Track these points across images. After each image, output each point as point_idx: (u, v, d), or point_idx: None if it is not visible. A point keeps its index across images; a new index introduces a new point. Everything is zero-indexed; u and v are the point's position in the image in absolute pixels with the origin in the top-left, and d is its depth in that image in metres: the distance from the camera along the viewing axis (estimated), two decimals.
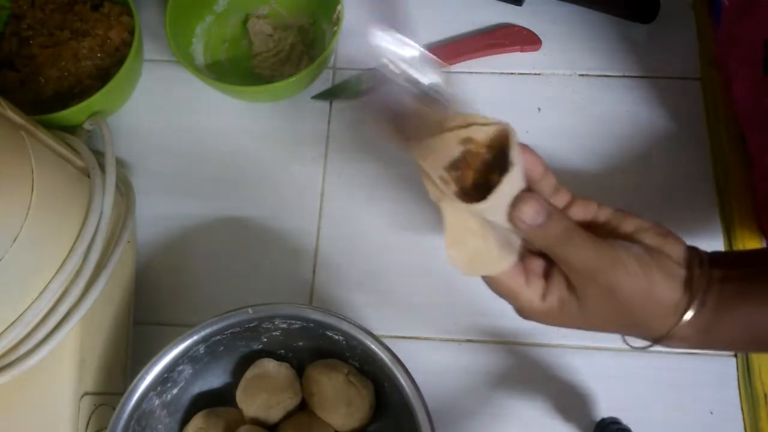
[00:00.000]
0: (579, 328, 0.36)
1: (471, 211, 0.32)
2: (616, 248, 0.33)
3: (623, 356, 0.53)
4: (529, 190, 0.34)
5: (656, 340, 0.35)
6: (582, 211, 0.36)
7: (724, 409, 0.51)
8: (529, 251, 0.37)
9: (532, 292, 0.35)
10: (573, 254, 0.33)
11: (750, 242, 0.54)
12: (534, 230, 0.33)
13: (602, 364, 0.52)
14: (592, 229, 0.35)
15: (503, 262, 0.35)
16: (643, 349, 0.36)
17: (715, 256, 0.35)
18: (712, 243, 0.55)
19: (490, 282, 0.36)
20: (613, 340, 0.53)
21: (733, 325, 0.33)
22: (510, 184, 0.31)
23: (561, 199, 0.36)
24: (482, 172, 0.33)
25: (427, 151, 0.33)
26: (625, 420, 0.49)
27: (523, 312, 0.37)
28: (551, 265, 0.36)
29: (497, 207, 0.32)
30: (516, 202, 0.33)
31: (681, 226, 0.55)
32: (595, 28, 0.63)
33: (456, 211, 0.33)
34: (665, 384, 0.52)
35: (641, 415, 0.50)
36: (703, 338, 0.34)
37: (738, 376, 0.52)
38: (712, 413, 0.51)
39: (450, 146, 0.33)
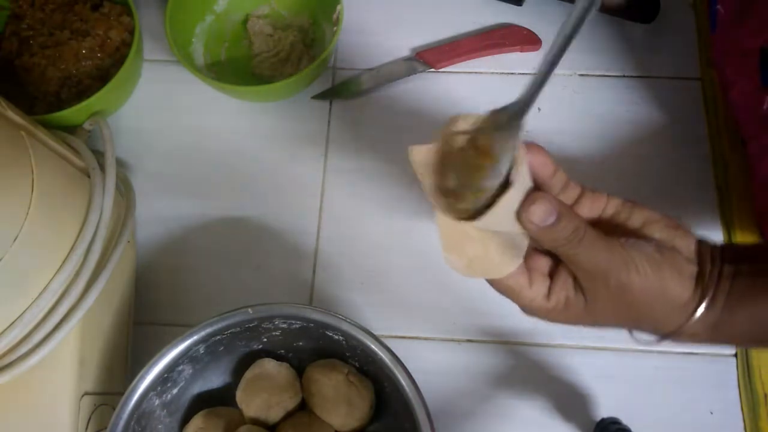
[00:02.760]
0: (583, 325, 0.36)
1: (466, 224, 0.31)
2: (628, 249, 0.33)
3: (623, 356, 0.53)
4: (538, 189, 0.33)
5: (664, 337, 0.35)
6: (590, 206, 0.35)
7: (724, 409, 0.51)
8: (534, 249, 0.36)
9: (534, 291, 0.35)
10: (583, 255, 0.32)
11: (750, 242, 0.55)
12: (543, 231, 0.32)
13: (602, 364, 0.52)
14: (601, 223, 0.35)
15: (506, 267, 0.34)
16: (649, 343, 0.36)
17: (725, 248, 0.35)
18: None
19: (491, 282, 0.36)
20: (613, 340, 0.53)
21: (744, 322, 0.33)
22: (510, 200, 0.30)
23: (571, 194, 0.35)
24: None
25: (425, 155, 0.32)
26: (625, 420, 0.49)
27: (525, 310, 0.36)
28: (557, 263, 0.35)
29: (497, 220, 0.31)
30: (525, 203, 0.32)
31: None
32: (595, 28, 0.63)
33: (450, 219, 0.32)
34: (665, 384, 0.52)
35: (641, 415, 0.50)
36: (712, 334, 0.34)
37: (738, 376, 0.52)
38: (712, 413, 0.51)
39: (451, 153, 0.31)
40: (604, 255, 0.32)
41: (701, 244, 0.35)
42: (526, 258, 0.35)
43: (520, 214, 0.32)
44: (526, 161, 0.31)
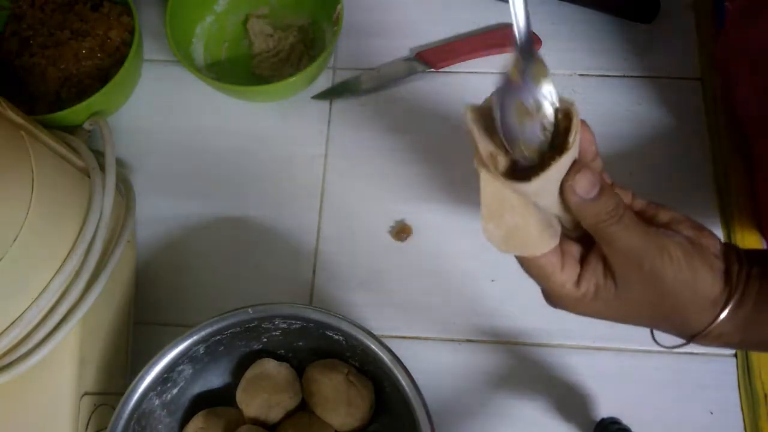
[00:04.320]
0: (610, 318, 0.35)
1: (516, 190, 0.31)
2: (662, 236, 0.32)
3: (623, 356, 0.53)
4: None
5: (691, 337, 0.34)
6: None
7: (724, 409, 0.51)
8: (566, 236, 0.35)
9: (566, 275, 0.34)
10: (620, 235, 0.32)
11: (750, 243, 0.54)
12: (586, 204, 0.32)
13: (602, 364, 0.52)
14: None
15: (542, 245, 0.33)
16: (673, 348, 0.35)
17: (751, 253, 0.34)
18: None
19: (523, 260, 0.35)
20: (613, 340, 0.53)
21: None
22: (564, 165, 0.30)
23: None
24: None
25: (484, 113, 0.31)
26: (625, 420, 0.49)
27: (552, 296, 0.35)
28: (588, 251, 0.35)
29: (545, 188, 0.31)
30: (571, 172, 0.31)
31: None
32: (595, 28, 0.63)
33: (496, 184, 0.31)
34: (665, 384, 0.52)
35: (641, 415, 0.50)
36: (741, 335, 0.33)
37: (738, 376, 0.52)
38: (712, 413, 0.51)
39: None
40: (640, 236, 0.32)
41: (727, 245, 0.34)
42: (559, 242, 0.34)
43: (564, 184, 0.31)
44: (580, 132, 0.31)
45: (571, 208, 0.32)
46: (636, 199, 0.35)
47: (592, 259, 0.34)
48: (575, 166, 0.31)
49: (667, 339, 0.36)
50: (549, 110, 0.30)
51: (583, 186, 0.31)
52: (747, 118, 0.55)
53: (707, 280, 0.32)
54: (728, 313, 0.32)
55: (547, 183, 0.30)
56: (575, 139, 0.30)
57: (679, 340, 0.35)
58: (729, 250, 0.34)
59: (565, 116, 0.30)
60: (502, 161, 0.31)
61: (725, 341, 0.34)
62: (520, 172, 0.31)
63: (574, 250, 0.35)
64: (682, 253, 0.32)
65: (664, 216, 0.35)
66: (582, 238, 0.35)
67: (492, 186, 0.31)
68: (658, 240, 0.32)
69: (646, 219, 0.35)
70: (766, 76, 0.49)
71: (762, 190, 0.54)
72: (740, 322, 0.33)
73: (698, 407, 0.51)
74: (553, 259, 0.34)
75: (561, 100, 0.31)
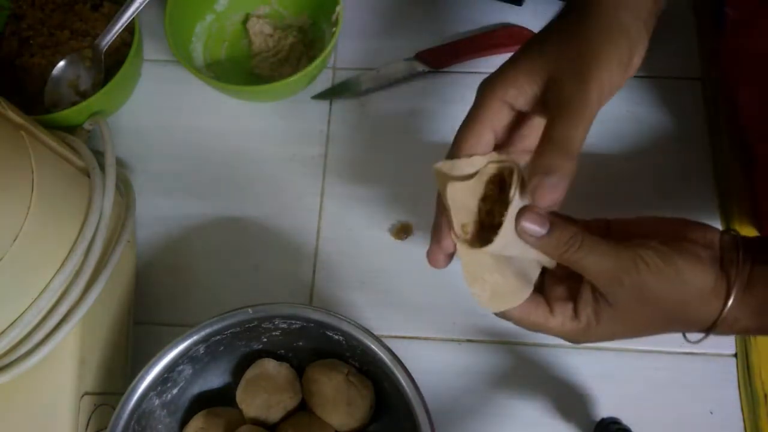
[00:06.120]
0: (625, 335, 0.36)
1: (485, 252, 0.33)
2: (632, 247, 0.33)
3: (623, 356, 0.53)
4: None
5: (708, 330, 0.34)
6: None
7: (724, 409, 0.51)
8: (551, 280, 0.37)
9: (560, 316, 0.35)
10: (588, 260, 0.33)
11: None
12: (542, 241, 0.33)
13: (602, 364, 0.52)
14: (611, 232, 0.35)
15: (523, 292, 0.35)
16: (699, 341, 0.35)
17: (752, 239, 0.34)
18: None
19: (515, 320, 0.36)
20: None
21: None
22: (512, 218, 0.32)
23: None
24: (491, 207, 0.34)
25: (461, 192, 0.34)
26: (625, 420, 0.49)
27: (562, 337, 0.36)
28: (576, 285, 0.36)
29: (509, 241, 0.33)
30: (516, 219, 0.33)
31: None
32: None
33: (469, 251, 0.34)
34: (665, 384, 0.52)
35: (641, 415, 0.50)
36: (758, 320, 0.33)
37: (738, 376, 0.52)
38: (712, 413, 0.51)
39: (473, 191, 0.34)
40: (610, 255, 0.33)
41: (724, 233, 0.34)
42: (545, 291, 0.36)
43: (516, 230, 0.33)
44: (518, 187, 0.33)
45: (534, 248, 0.34)
46: (612, 220, 0.37)
47: (583, 289, 0.35)
48: (519, 211, 0.33)
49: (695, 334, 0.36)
50: None
51: (531, 226, 0.33)
52: (747, 121, 0.55)
53: (695, 273, 0.32)
54: (736, 298, 0.32)
55: (508, 236, 0.33)
56: (515, 194, 0.32)
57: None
58: (726, 237, 0.34)
59: (510, 174, 0.33)
60: (471, 228, 0.34)
61: (743, 327, 0.34)
62: (486, 231, 0.34)
63: (560, 291, 0.36)
64: (658, 256, 0.32)
65: (646, 222, 0.35)
66: (570, 273, 0.36)
67: (467, 253, 0.34)
68: (629, 253, 0.33)
69: (630, 232, 0.35)
70: (766, 80, 0.49)
71: (762, 192, 0.54)
72: (754, 307, 0.32)
73: (698, 407, 0.51)
74: (539, 311, 0.35)
75: (506, 159, 0.34)
